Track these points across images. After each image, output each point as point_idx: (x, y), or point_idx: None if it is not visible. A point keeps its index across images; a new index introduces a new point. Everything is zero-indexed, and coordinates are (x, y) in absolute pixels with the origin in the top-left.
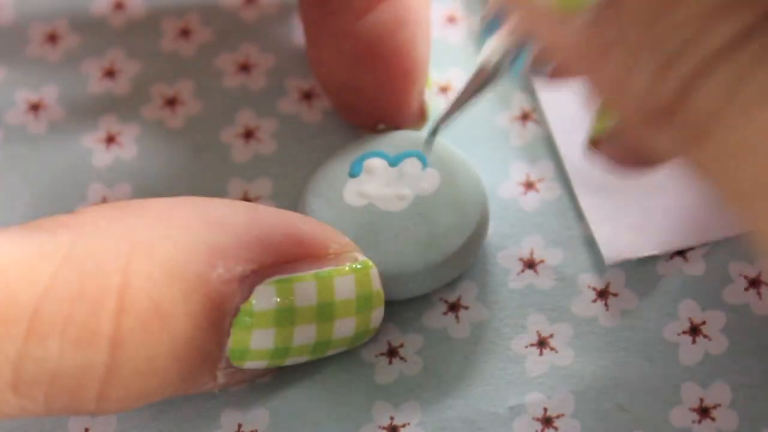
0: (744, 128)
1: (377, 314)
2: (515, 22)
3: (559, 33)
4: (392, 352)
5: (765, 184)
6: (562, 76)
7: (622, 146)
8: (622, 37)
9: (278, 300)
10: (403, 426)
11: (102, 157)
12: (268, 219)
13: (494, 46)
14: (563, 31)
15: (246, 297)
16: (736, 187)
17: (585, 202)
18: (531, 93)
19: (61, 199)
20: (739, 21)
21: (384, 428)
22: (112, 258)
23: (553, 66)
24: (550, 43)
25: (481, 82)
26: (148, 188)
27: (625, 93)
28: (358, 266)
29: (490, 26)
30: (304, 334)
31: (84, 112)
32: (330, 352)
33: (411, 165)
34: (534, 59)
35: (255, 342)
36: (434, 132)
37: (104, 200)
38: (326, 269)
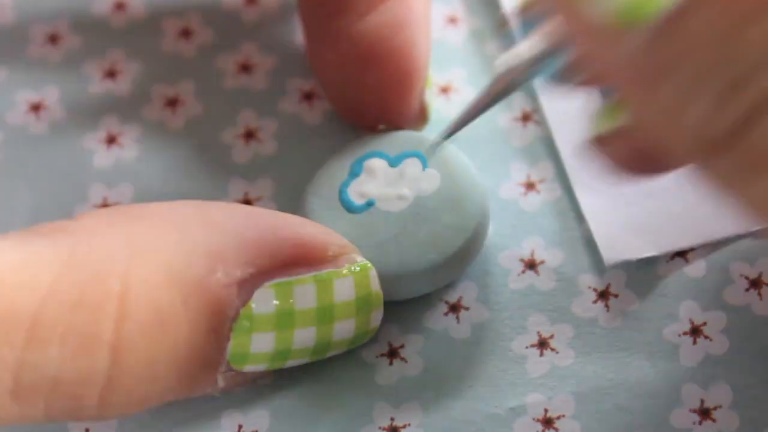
0: None
1: (376, 315)
2: (556, 29)
3: (610, 51)
4: (393, 353)
5: None
6: (592, 86)
7: (630, 148)
8: (683, 59)
9: (277, 303)
10: (404, 427)
11: (103, 157)
12: (267, 222)
13: (522, 50)
14: (616, 50)
15: (245, 301)
16: None
17: (585, 202)
18: (532, 94)
19: (61, 200)
20: None
21: (384, 429)
22: (112, 263)
23: (584, 77)
24: (598, 62)
25: (502, 89)
26: (148, 189)
27: (679, 121)
28: (357, 268)
29: (522, 27)
30: (304, 337)
31: (85, 113)
32: (330, 354)
33: (411, 165)
34: (566, 70)
35: (255, 345)
36: (448, 137)
37: (105, 200)
38: (325, 271)
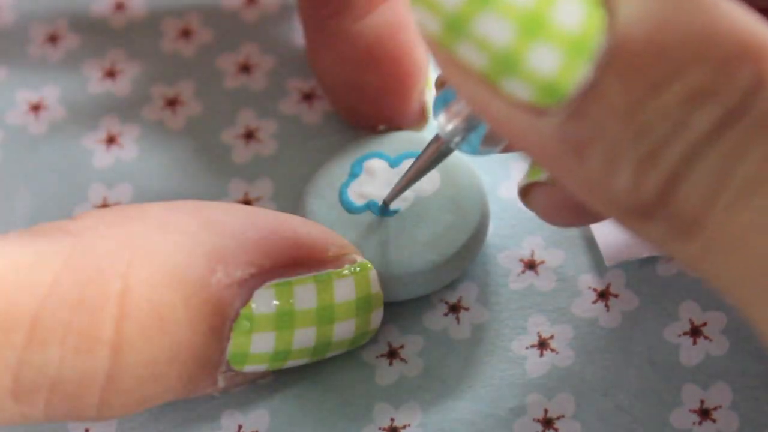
0: (733, 220)
1: (376, 316)
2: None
3: (528, 131)
4: (393, 354)
5: (758, 275)
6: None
7: (554, 202)
8: (600, 133)
9: (278, 303)
10: (404, 427)
11: (102, 157)
12: (267, 222)
13: (449, 116)
14: (533, 130)
15: (246, 301)
16: (729, 278)
17: None
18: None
19: (61, 200)
20: (723, 102)
21: (384, 429)
22: (112, 264)
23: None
24: (516, 141)
25: (435, 155)
26: (148, 189)
27: (604, 192)
28: (357, 268)
29: (444, 96)
30: (304, 337)
31: (85, 113)
32: (330, 354)
33: None
34: (489, 135)
35: (255, 346)
36: (386, 205)
37: (105, 200)
38: (325, 272)
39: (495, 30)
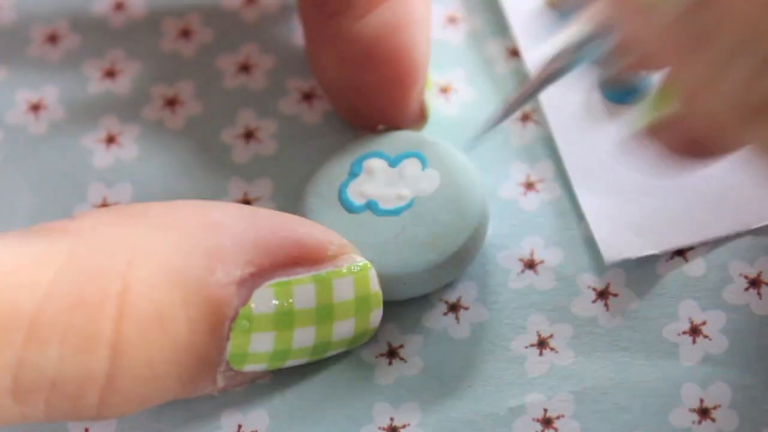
0: None
1: (376, 315)
2: (596, 8)
3: (647, 22)
4: (392, 353)
5: None
6: (638, 69)
7: (681, 134)
8: (717, 32)
9: (277, 303)
10: (403, 427)
11: (102, 157)
12: (266, 222)
13: (569, 34)
14: (653, 20)
15: (245, 300)
16: None
17: (585, 201)
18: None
19: (61, 199)
20: None
21: (384, 429)
22: (112, 263)
23: (629, 60)
24: (635, 34)
25: (552, 72)
26: (148, 188)
27: (717, 90)
28: (357, 268)
29: (565, 12)
30: (304, 337)
31: (84, 113)
32: (329, 354)
33: (411, 165)
34: (610, 52)
35: (254, 345)
36: (498, 123)
37: (104, 200)
38: (325, 271)
39: None
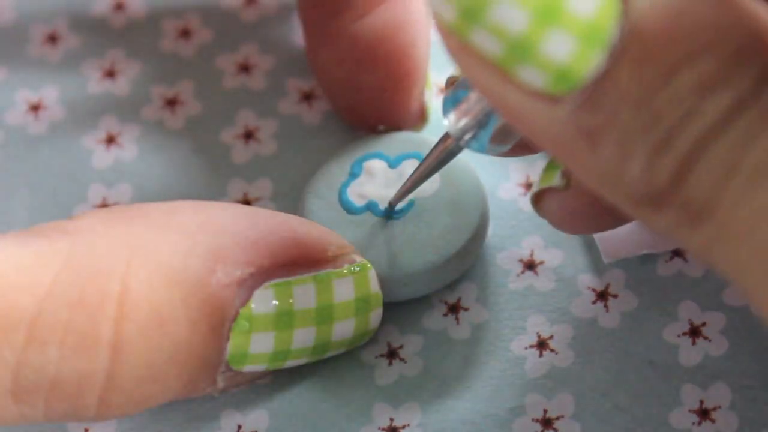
0: (742, 207)
1: (376, 315)
2: (483, 100)
3: (540, 120)
4: (392, 354)
5: (766, 262)
6: (530, 151)
7: (564, 207)
8: (613, 121)
9: (277, 303)
10: (403, 427)
11: (102, 157)
12: (266, 222)
13: (460, 114)
14: (546, 119)
15: (245, 301)
16: (737, 265)
17: None
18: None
19: (61, 200)
20: (735, 89)
21: (384, 429)
22: (112, 264)
23: (520, 140)
24: (529, 131)
25: (443, 154)
26: (148, 189)
27: (616, 180)
28: (357, 268)
29: (455, 95)
30: (303, 337)
31: (84, 113)
32: (329, 354)
33: (411, 167)
34: (499, 132)
35: (254, 346)
36: (392, 207)
37: (104, 200)
38: (324, 271)
39: (510, 17)
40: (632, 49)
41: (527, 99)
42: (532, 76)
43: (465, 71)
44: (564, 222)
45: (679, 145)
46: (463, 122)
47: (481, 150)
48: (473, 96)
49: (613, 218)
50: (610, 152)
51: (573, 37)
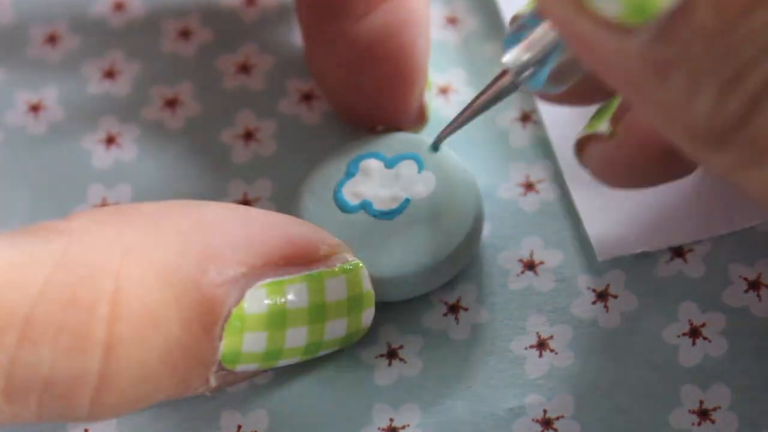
0: None
1: (368, 314)
2: (552, 29)
3: (611, 51)
4: (392, 354)
5: None
6: (580, 101)
7: (612, 155)
8: (686, 54)
9: (269, 303)
10: (403, 428)
11: (102, 157)
12: (259, 221)
13: (524, 48)
14: (617, 50)
15: (237, 300)
16: None
17: (578, 198)
18: (530, 94)
19: (60, 200)
20: None
21: (383, 430)
22: (105, 263)
23: (577, 82)
24: (598, 63)
25: (499, 90)
26: (147, 189)
27: (683, 115)
28: (349, 267)
29: (520, 28)
30: (296, 336)
31: (84, 113)
32: (321, 353)
33: (407, 167)
34: (557, 70)
35: (247, 345)
36: (437, 145)
37: (104, 201)
38: (317, 271)
39: None
40: None
41: (600, 29)
42: (606, 5)
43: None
44: (604, 172)
45: (751, 82)
46: (526, 56)
47: (537, 87)
48: (539, 31)
49: (655, 173)
50: (680, 86)
51: None
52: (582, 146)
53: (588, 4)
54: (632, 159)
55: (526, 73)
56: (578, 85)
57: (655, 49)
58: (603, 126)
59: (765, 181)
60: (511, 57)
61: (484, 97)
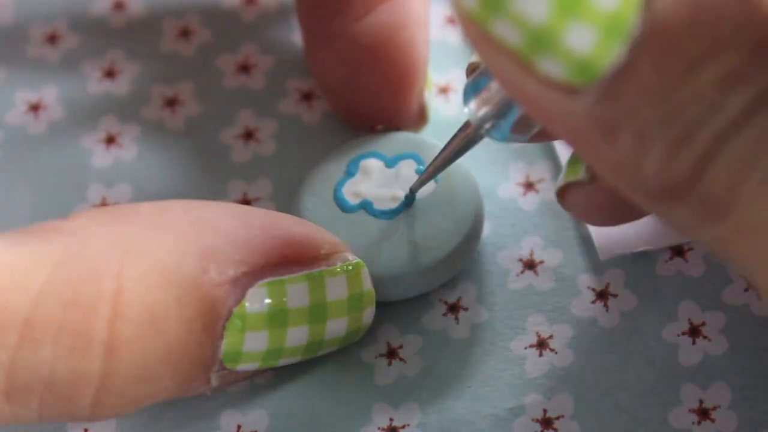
0: (763, 202)
1: (368, 313)
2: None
3: (559, 111)
4: (392, 354)
5: None
6: (550, 139)
7: (589, 201)
8: (632, 114)
9: (270, 302)
10: (403, 427)
11: (102, 157)
12: (259, 221)
13: (481, 102)
14: (565, 110)
15: (238, 300)
16: (755, 261)
17: None
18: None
19: (60, 200)
20: (755, 87)
21: (383, 429)
22: (105, 263)
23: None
24: (548, 121)
25: (463, 143)
26: (147, 189)
27: (634, 174)
28: (349, 266)
29: (475, 83)
30: (297, 335)
31: (84, 113)
32: (321, 352)
33: (407, 167)
34: (520, 121)
35: (248, 344)
36: (413, 195)
37: (104, 200)
38: (317, 270)
39: (531, 7)
40: (654, 41)
41: (546, 90)
42: (552, 67)
43: (485, 60)
44: (590, 215)
45: (699, 139)
46: (483, 111)
47: (502, 139)
48: (494, 85)
49: (639, 210)
50: (629, 145)
51: (594, 29)
52: (563, 193)
53: (532, 66)
54: (614, 201)
55: (488, 126)
56: (544, 129)
57: (600, 110)
58: (581, 173)
59: (718, 236)
60: (471, 110)
61: (450, 149)
